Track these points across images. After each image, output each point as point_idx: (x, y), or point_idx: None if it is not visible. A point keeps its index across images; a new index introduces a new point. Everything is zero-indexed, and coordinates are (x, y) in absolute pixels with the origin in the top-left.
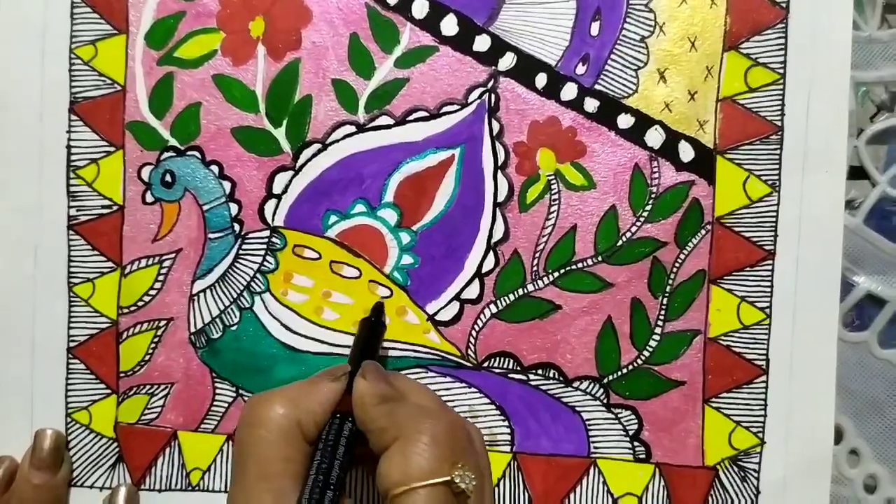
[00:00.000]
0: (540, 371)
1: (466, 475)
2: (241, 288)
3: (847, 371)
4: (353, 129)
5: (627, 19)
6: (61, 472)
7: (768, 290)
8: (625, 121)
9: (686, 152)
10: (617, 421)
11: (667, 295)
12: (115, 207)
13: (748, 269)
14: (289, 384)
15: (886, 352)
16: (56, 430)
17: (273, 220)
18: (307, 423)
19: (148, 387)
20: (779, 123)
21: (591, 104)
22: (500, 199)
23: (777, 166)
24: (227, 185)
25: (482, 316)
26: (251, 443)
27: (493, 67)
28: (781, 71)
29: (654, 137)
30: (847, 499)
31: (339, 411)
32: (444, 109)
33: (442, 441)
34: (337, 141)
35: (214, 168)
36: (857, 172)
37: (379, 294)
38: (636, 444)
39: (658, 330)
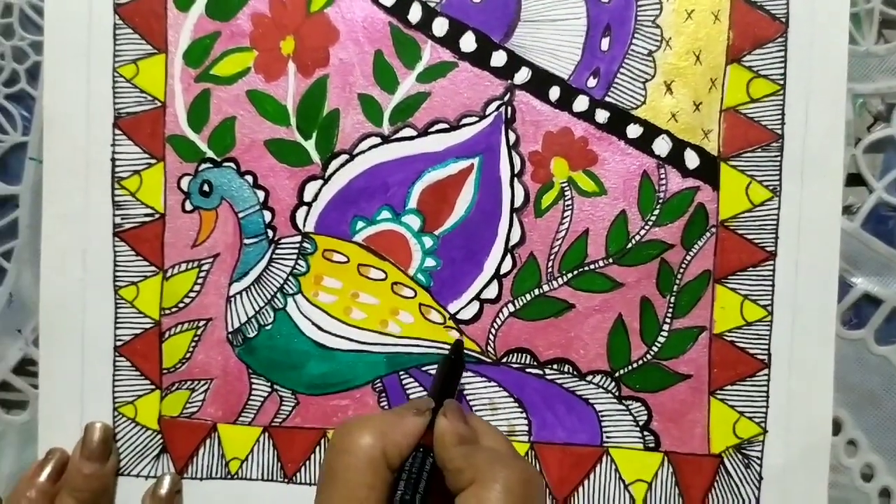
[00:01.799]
0: (555, 366)
1: None
2: (275, 290)
3: (845, 366)
4: (378, 140)
5: (635, 35)
6: (109, 462)
7: (770, 289)
8: (634, 130)
9: (691, 160)
10: (628, 412)
11: (674, 294)
12: (156, 215)
13: (750, 269)
14: (376, 413)
15: (883, 348)
16: (104, 423)
17: (304, 226)
18: (392, 453)
19: (189, 382)
20: (779, 132)
21: (601, 115)
22: (517, 205)
23: (778, 172)
24: (260, 194)
25: (501, 315)
26: (340, 469)
27: (510, 81)
28: (781, 82)
29: (662, 146)
30: (845, 486)
31: (422, 445)
32: (464, 121)
33: (515, 491)
34: (363, 152)
35: (249, 178)
36: (854, 179)
37: (404, 294)
38: (646, 433)
39: (666, 327)
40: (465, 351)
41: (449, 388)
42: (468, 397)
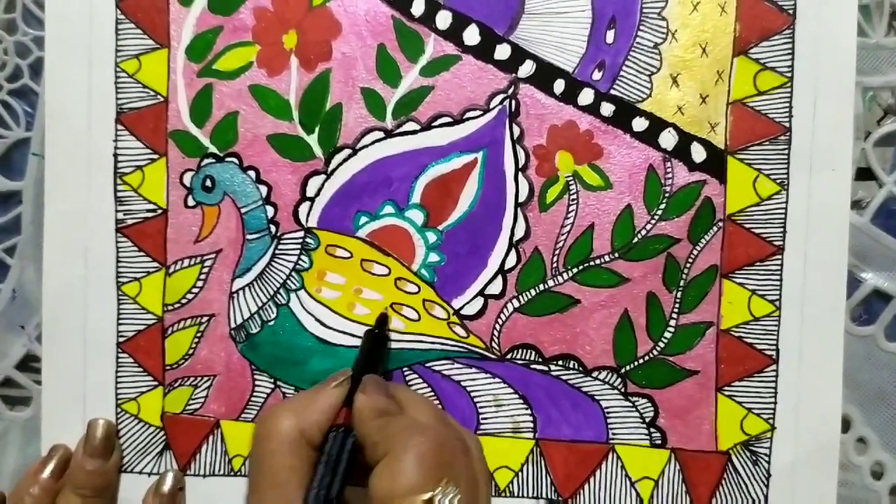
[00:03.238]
0: (560, 362)
1: (449, 491)
2: (278, 285)
3: (855, 363)
4: (381, 134)
5: (641, 27)
6: (112, 458)
7: (777, 283)
8: (639, 124)
9: (698, 153)
10: (634, 409)
11: (681, 289)
12: (159, 211)
13: (758, 263)
14: (295, 395)
15: (893, 345)
16: (107, 419)
17: (307, 221)
18: (310, 430)
19: (192, 379)
20: (787, 125)
21: (607, 108)
22: (522, 199)
23: (785, 166)
24: (263, 189)
25: (505, 310)
26: (261, 455)
27: (514, 75)
28: (789, 75)
29: (668, 139)
30: (855, 484)
31: (344, 425)
32: (468, 115)
33: (427, 457)
34: (366, 146)
35: (251, 173)
36: (864, 174)
37: (408, 290)
38: (652, 430)
39: (672, 322)
40: (468, 346)
41: (372, 362)
42: (472, 394)
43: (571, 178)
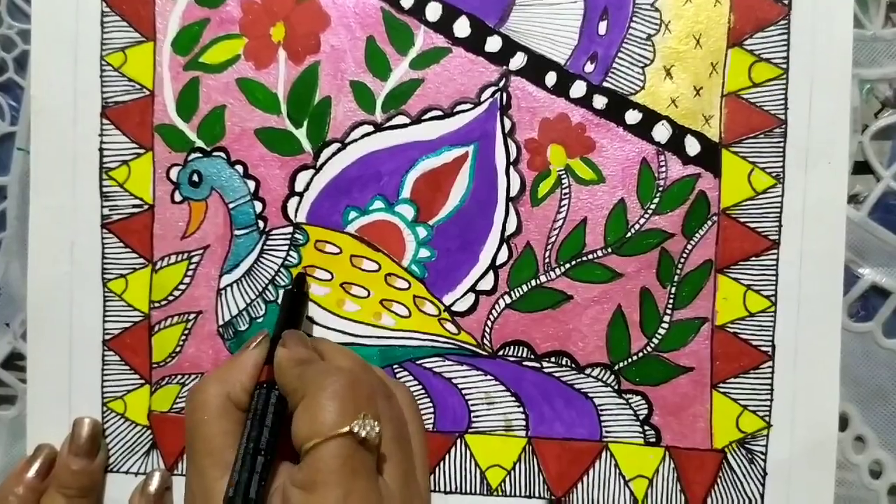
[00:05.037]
0: (553, 359)
1: (367, 423)
2: (266, 282)
3: (853, 360)
4: (370, 128)
5: (634, 18)
6: (98, 458)
7: (773, 278)
8: (632, 117)
9: (692, 146)
10: (628, 406)
11: (675, 284)
12: (145, 206)
13: (753, 258)
14: (220, 363)
15: (891, 341)
16: (93, 418)
17: (296, 216)
18: (236, 392)
19: (179, 377)
20: (782, 117)
21: (599, 101)
22: (513, 193)
23: (781, 159)
24: (251, 184)
25: (497, 306)
26: (193, 426)
27: (505, 67)
28: (784, 66)
29: (661, 132)
30: (853, 483)
31: (268, 381)
32: (458, 108)
33: (342, 395)
34: (355, 140)
35: (239, 168)
36: (861, 167)
37: (398, 286)
38: (646, 428)
39: (667, 318)
40: (460, 343)
41: (291, 320)
42: (464, 391)
43: (563, 171)
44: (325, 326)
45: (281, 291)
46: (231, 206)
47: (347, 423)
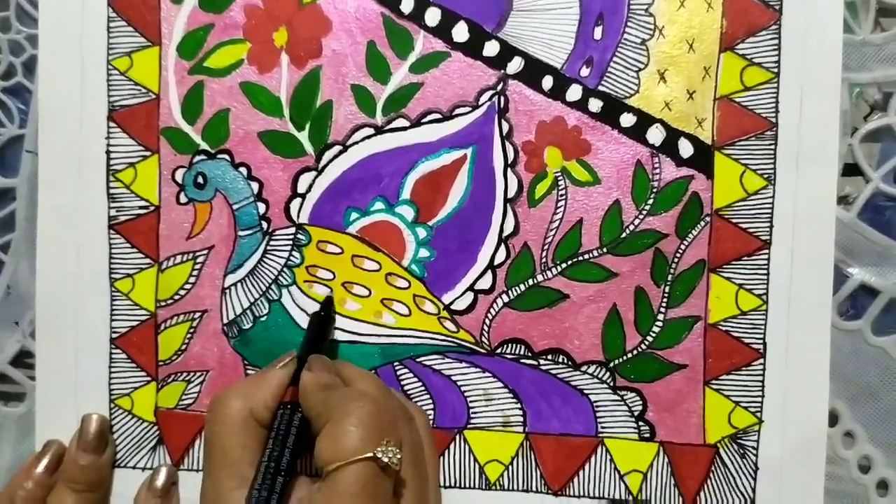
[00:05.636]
0: (550, 356)
1: (389, 450)
2: (270, 281)
3: (842, 358)
4: (371, 131)
5: (628, 23)
6: (106, 453)
7: (765, 278)
8: (627, 119)
9: (685, 149)
10: (623, 402)
11: (668, 283)
12: (151, 208)
13: (745, 258)
14: (244, 378)
15: (880, 339)
16: (101, 415)
17: (298, 217)
18: (259, 410)
19: (185, 374)
20: (773, 120)
21: (595, 104)
22: (511, 195)
23: (772, 161)
24: (254, 186)
25: (495, 305)
26: (213, 437)
27: (502, 71)
28: (775, 70)
29: (655, 135)
30: (842, 478)
31: (291, 402)
32: (457, 111)
33: (366, 421)
34: (357, 143)
35: (243, 170)
36: (851, 169)
37: (398, 285)
38: (641, 423)
39: (661, 317)
40: (458, 341)
41: (318, 343)
42: (463, 388)
43: (560, 173)
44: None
45: (283, 290)
46: (235, 207)
47: (370, 449)
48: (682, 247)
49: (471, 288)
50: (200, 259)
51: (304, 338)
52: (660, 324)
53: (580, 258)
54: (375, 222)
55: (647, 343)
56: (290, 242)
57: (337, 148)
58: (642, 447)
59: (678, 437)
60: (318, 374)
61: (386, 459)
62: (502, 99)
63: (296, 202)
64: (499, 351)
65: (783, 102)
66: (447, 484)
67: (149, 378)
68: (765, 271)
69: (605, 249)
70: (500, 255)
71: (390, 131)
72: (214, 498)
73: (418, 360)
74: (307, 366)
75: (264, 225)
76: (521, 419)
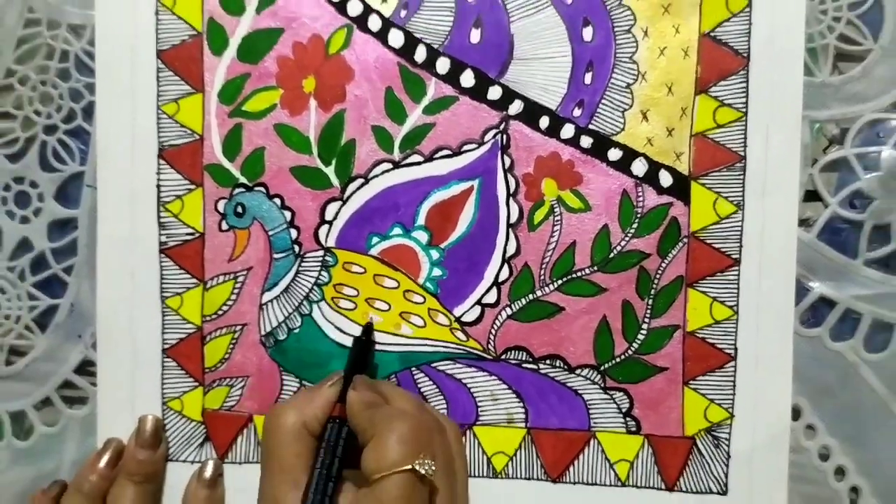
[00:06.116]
0: (548, 361)
1: (426, 463)
2: (302, 298)
3: (804, 360)
4: (390, 165)
5: (615, 70)
6: (160, 449)
7: (735, 291)
8: (614, 154)
9: (665, 179)
10: (612, 401)
11: (651, 297)
12: (197, 234)
13: (718, 274)
14: (296, 393)
15: (837, 344)
16: (155, 415)
17: (326, 241)
18: (311, 423)
19: (228, 379)
20: (742, 154)
21: (586, 141)
22: (513, 220)
23: (741, 189)
24: (287, 214)
25: (499, 317)
26: (272, 446)
27: (505, 112)
28: (744, 110)
29: (639, 167)
30: (804, 465)
31: (339, 417)
32: (465, 148)
33: (406, 437)
34: (377, 176)
35: (277, 200)
36: (811, 195)
37: (415, 300)
38: (628, 419)
39: (645, 326)
40: (468, 349)
41: (360, 364)
42: (472, 390)
43: (555, 201)
44: (353, 335)
45: (313, 305)
46: (270, 233)
47: (410, 462)
48: (663, 265)
49: (478, 302)
50: (240, 279)
51: (348, 359)
52: (644, 332)
53: (574, 275)
54: (394, 245)
55: (633, 349)
56: (320, 264)
57: (360, 181)
58: (629, 439)
59: (661, 430)
60: (362, 394)
61: (423, 471)
62: (504, 137)
63: (324, 228)
64: (503, 357)
65: (751, 138)
66: None
67: (196, 383)
68: (735, 286)
69: (595, 268)
70: (504, 274)
71: (406, 166)
72: (272, 499)
73: (433, 365)
74: (352, 385)
75: (296, 248)
76: (523, 416)
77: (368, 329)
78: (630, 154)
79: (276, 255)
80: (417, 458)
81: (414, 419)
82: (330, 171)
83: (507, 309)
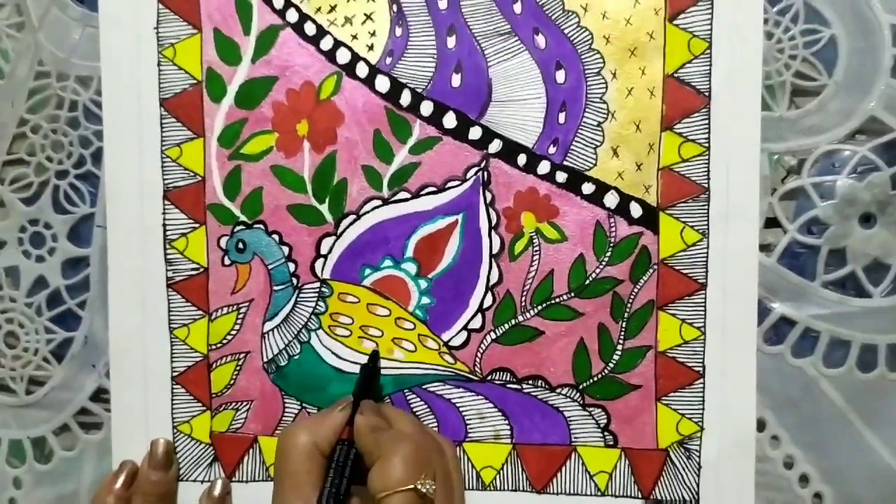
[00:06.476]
0: (531, 381)
1: (427, 483)
2: (300, 326)
3: (767, 376)
4: (379, 202)
5: (586, 110)
6: (172, 470)
7: (702, 313)
8: (587, 188)
9: (636, 210)
10: (591, 417)
11: (625, 320)
12: (201, 269)
13: (686, 297)
14: (308, 416)
15: (798, 360)
16: (166, 439)
17: (322, 274)
18: (322, 443)
19: (234, 404)
20: (706, 185)
21: (561, 176)
22: (495, 251)
23: (706, 218)
24: (285, 249)
25: (484, 341)
26: (284, 464)
27: (485, 151)
28: (707, 145)
29: (611, 199)
30: (770, 473)
31: (348, 439)
32: (449, 185)
33: (409, 458)
34: (368, 212)
35: (275, 236)
36: (771, 222)
37: (405, 327)
38: (606, 434)
39: (620, 347)
40: (456, 371)
41: (367, 389)
42: (461, 409)
43: (534, 233)
44: (348, 360)
45: (311, 333)
46: (270, 267)
47: (412, 482)
48: (635, 290)
49: (465, 328)
50: (243, 310)
51: (356, 385)
52: (619, 353)
53: (553, 301)
54: (385, 276)
55: (609, 368)
56: (316, 294)
57: (352, 217)
58: (608, 453)
59: (636, 443)
60: (368, 418)
61: (424, 490)
62: (485, 174)
63: (319, 262)
64: (489, 378)
65: (714, 170)
66: None
67: (204, 408)
68: (702, 308)
69: (572, 294)
70: (488, 301)
71: (395, 202)
72: None
73: (424, 387)
74: (360, 410)
75: (294, 281)
76: (508, 433)
77: (375, 356)
78: (602, 188)
79: (275, 288)
80: (419, 478)
81: (415, 442)
82: (324, 209)
83: (492, 333)
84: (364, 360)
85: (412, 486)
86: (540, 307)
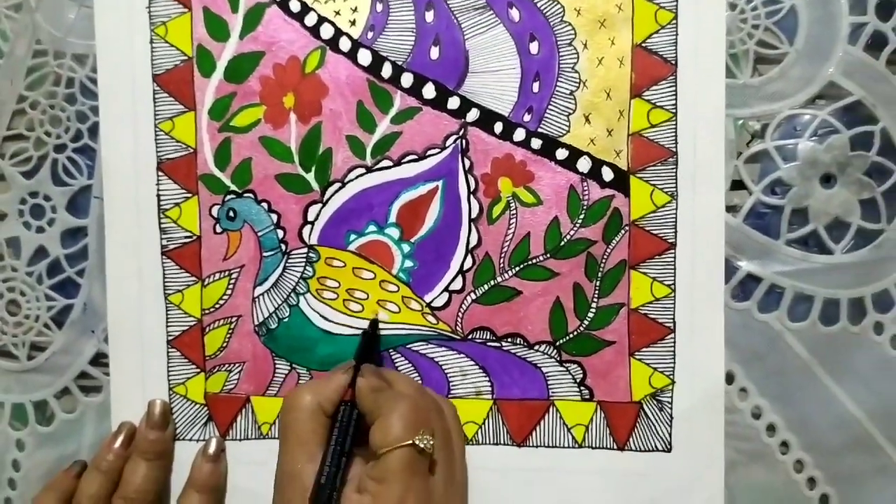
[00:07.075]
0: (510, 339)
1: (425, 438)
2: (289, 290)
3: (735, 331)
4: (363, 170)
5: (559, 79)
6: (168, 430)
7: (672, 272)
8: (561, 153)
9: (607, 174)
10: (567, 372)
11: (599, 279)
12: (194, 237)
13: (657, 257)
14: (312, 379)
15: (764, 316)
16: (163, 400)
17: (309, 240)
18: (326, 403)
19: (226, 365)
20: (674, 150)
21: (536, 143)
22: (474, 215)
23: (674, 181)
24: (274, 217)
25: (465, 301)
26: (290, 422)
27: (463, 120)
28: (674, 111)
29: (584, 164)
30: (739, 423)
31: (350, 400)
32: (429, 152)
33: (407, 416)
34: (352, 180)
35: (264, 204)
36: (737, 185)
37: (389, 289)
38: (582, 388)
39: (594, 305)
40: (439, 330)
41: (367, 353)
42: (443, 367)
43: (511, 197)
44: (335, 322)
45: (300, 297)
46: (259, 234)
47: (410, 438)
48: (608, 250)
49: (446, 289)
50: (234, 275)
51: (357, 349)
52: (593, 310)
53: (530, 262)
54: (370, 241)
55: (584, 326)
56: (304, 260)
57: (337, 185)
58: (584, 406)
59: (611, 396)
60: (369, 380)
61: (422, 445)
62: (464, 141)
63: (307, 228)
64: (470, 337)
65: (681, 135)
66: None
67: (198, 370)
68: (672, 267)
69: (548, 255)
70: (468, 263)
71: (378, 170)
72: (290, 470)
73: (408, 346)
74: (361, 373)
75: (283, 247)
76: (489, 389)
77: (375, 323)
78: (575, 153)
79: (265, 254)
80: (417, 434)
81: (413, 401)
82: (310, 177)
83: (472, 294)
84: (351, 322)
85: (410, 442)
86: (517, 268)
